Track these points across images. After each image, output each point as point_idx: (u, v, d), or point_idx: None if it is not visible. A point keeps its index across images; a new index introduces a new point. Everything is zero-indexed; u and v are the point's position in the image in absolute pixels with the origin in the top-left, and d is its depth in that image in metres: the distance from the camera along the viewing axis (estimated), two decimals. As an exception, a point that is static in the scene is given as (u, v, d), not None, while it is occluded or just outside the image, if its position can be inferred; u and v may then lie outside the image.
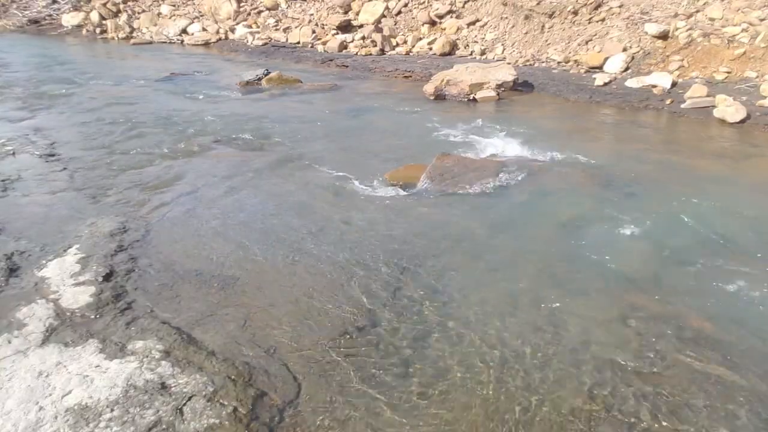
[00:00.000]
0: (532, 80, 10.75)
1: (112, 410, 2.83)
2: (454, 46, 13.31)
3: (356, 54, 13.91)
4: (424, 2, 14.56)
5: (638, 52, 10.69)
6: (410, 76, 11.86)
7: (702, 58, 9.91)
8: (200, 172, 6.25)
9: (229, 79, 11.39)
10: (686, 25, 10.44)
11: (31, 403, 2.88)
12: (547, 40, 12.24)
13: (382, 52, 13.89)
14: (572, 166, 6.39)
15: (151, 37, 17.31)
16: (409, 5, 14.76)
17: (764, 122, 8.10)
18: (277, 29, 16.27)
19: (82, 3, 19.02)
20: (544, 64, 11.75)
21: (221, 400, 2.93)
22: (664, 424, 2.84)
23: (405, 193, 5.70)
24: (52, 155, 6.73)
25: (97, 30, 18.01)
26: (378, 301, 3.81)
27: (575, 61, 11.30)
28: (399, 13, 14.82)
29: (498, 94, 9.86)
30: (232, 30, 16.74)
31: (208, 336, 3.45)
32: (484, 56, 12.69)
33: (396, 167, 6.21)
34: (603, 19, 11.68)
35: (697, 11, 10.66)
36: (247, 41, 15.97)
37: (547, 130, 7.98)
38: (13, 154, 6.79)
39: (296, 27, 15.93)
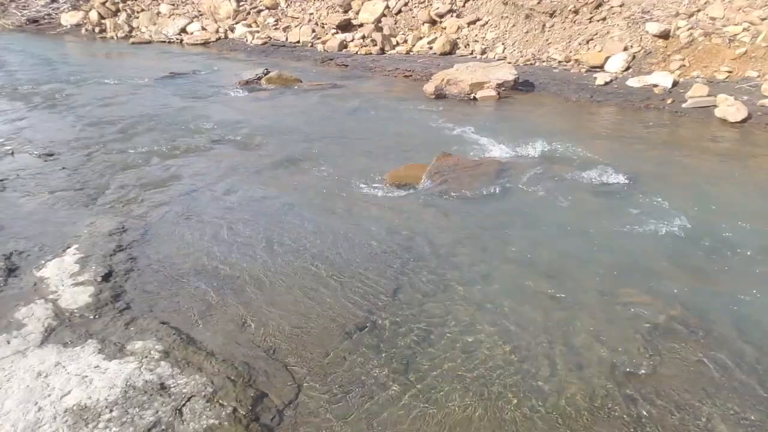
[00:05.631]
0: (532, 80, 10.73)
1: (111, 411, 2.81)
2: (454, 46, 13.29)
3: (356, 53, 13.89)
4: (424, 1, 14.54)
5: (639, 51, 10.67)
6: (410, 76, 11.83)
7: (703, 57, 9.90)
8: (199, 172, 6.23)
9: (228, 79, 11.37)
10: (687, 25, 10.42)
11: (30, 403, 2.86)
12: (547, 40, 12.22)
13: (382, 51, 13.87)
14: (573, 165, 6.37)
15: (151, 36, 17.28)
16: (410, 4, 14.74)
17: (765, 122, 8.08)
18: (276, 28, 16.24)
19: (81, 2, 18.99)
20: (544, 64, 11.72)
21: (221, 401, 2.91)
22: (665, 424, 2.83)
23: (405, 193, 5.68)
24: (51, 155, 6.71)
25: (96, 29, 17.98)
26: (378, 301, 3.80)
27: (576, 60, 11.28)
28: (399, 12, 14.80)
29: (498, 94, 9.84)
30: (232, 29, 16.71)
31: (207, 336, 3.44)
32: (484, 55, 12.67)
33: (396, 167, 6.19)
34: (604, 19, 11.66)
35: (699, 10, 10.64)
36: (247, 40, 15.94)
37: (548, 129, 7.95)
38: (12, 153, 6.77)
39: (296, 26, 15.91)
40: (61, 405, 2.85)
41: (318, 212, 5.19)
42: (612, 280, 4.09)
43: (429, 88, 10.05)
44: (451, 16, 14.03)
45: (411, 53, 13.63)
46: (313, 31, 15.35)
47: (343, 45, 14.36)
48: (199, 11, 17.83)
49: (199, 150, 7.00)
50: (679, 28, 10.46)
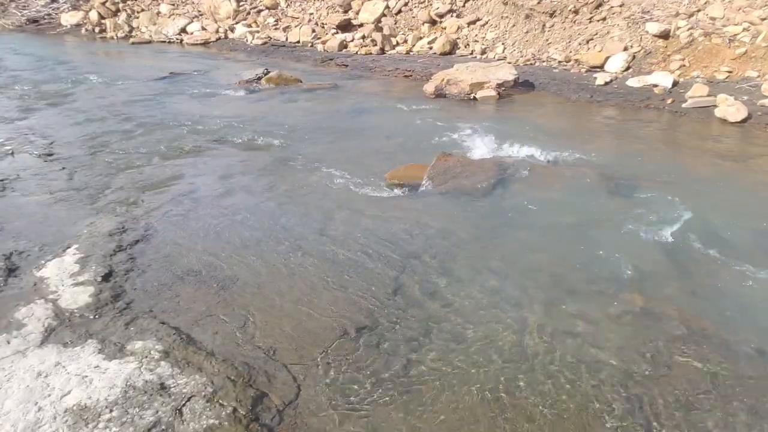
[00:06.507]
0: (532, 80, 10.73)
1: (111, 411, 2.81)
2: (454, 46, 13.29)
3: (356, 53, 13.89)
4: (424, 1, 14.54)
5: (639, 51, 10.67)
6: (410, 76, 11.83)
7: (703, 57, 9.89)
8: (199, 172, 6.23)
9: (228, 79, 11.37)
10: (687, 25, 10.42)
11: (30, 403, 2.86)
12: (547, 40, 12.22)
13: (382, 51, 13.87)
14: (573, 165, 6.37)
15: (150, 36, 17.27)
16: (410, 4, 14.74)
17: (765, 122, 8.08)
18: (276, 28, 16.24)
19: (81, 2, 18.98)
20: (544, 64, 11.72)
21: (221, 401, 2.91)
22: (665, 425, 2.83)
23: (405, 193, 5.67)
24: (51, 155, 6.71)
25: (96, 29, 17.97)
26: (378, 302, 3.80)
27: (576, 60, 11.28)
28: (399, 12, 14.80)
29: (498, 94, 9.84)
30: (232, 29, 16.71)
31: (207, 336, 3.43)
32: (484, 55, 12.67)
33: (396, 167, 6.18)
34: (604, 19, 11.66)
35: (699, 10, 10.64)
36: (247, 40, 15.94)
37: (548, 129, 7.95)
38: (12, 153, 6.77)
39: (296, 26, 15.91)
40: (61, 405, 2.85)
41: (317, 212, 5.19)
42: (613, 280, 4.09)
43: (429, 88, 10.06)
44: (451, 16, 14.03)
45: (411, 53, 13.63)
46: (313, 31, 15.35)
47: (343, 45, 14.36)
48: (199, 11, 17.83)
49: (199, 150, 7.00)
50: (679, 28, 10.46)
